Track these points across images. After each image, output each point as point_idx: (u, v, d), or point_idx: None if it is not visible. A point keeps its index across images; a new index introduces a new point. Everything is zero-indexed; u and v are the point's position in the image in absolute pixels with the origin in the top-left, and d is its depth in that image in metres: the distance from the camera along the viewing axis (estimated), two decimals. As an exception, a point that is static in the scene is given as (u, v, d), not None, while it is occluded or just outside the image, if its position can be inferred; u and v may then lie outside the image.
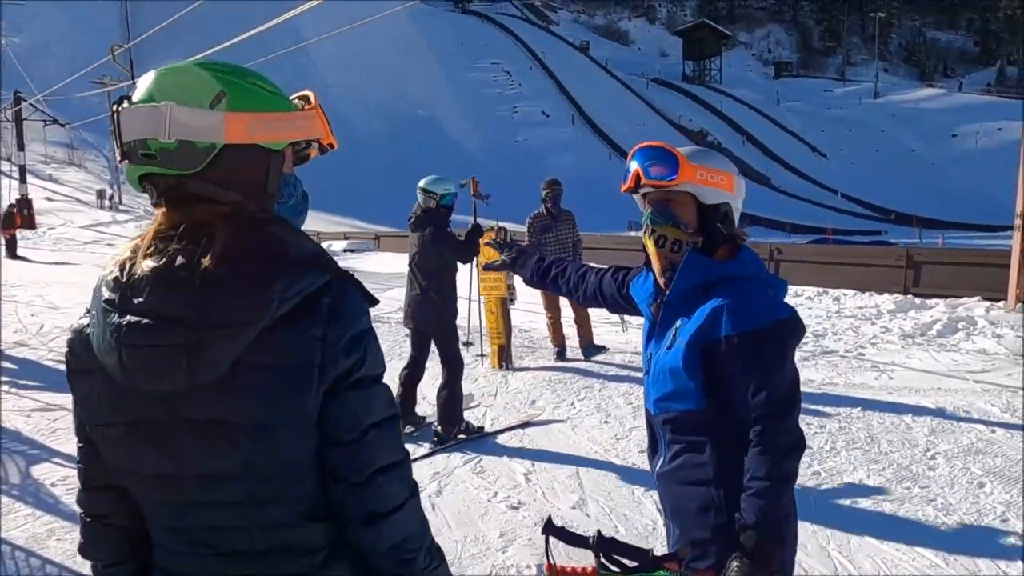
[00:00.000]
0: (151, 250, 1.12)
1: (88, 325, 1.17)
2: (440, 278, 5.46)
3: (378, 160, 42.46)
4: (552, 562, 1.70)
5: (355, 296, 1.17)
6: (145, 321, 1.09)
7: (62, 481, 4.68)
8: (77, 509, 1.30)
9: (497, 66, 72.55)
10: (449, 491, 4.44)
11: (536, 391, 6.60)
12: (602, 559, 1.68)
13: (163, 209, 1.17)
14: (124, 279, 1.11)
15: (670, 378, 1.84)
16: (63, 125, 34.99)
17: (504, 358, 7.49)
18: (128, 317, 1.09)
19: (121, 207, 41.36)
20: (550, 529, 1.75)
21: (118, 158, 1.17)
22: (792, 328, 1.80)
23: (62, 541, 3.87)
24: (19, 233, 24.01)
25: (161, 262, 1.10)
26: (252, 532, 1.15)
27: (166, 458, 1.13)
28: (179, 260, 1.10)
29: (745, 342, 1.73)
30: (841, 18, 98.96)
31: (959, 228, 40.43)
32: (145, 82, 1.17)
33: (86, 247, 23.47)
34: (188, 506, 1.15)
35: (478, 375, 7.27)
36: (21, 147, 35.46)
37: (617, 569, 1.68)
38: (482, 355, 7.79)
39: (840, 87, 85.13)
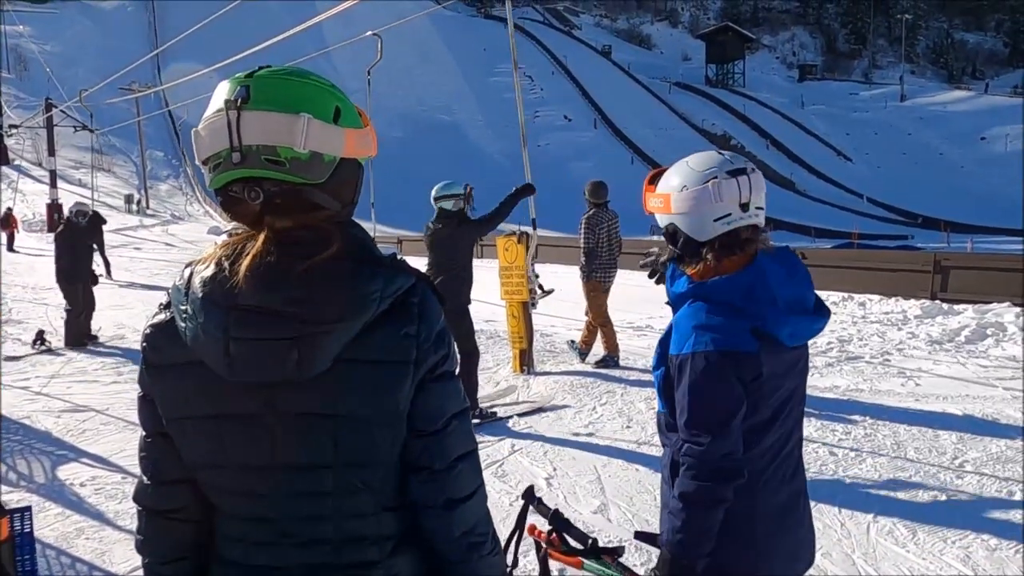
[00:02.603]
0: (257, 250, 1.15)
1: (170, 320, 1.19)
2: (454, 269, 5.88)
3: (399, 166, 42.67)
4: (529, 524, 2.00)
5: (433, 296, 1.24)
6: (254, 315, 1.12)
7: (90, 481, 4.76)
8: (135, 505, 1.29)
9: (519, 71, 72.63)
10: (471, 495, 4.45)
11: (558, 395, 6.59)
12: (554, 534, 1.96)
13: (266, 214, 1.17)
14: (227, 275, 1.14)
15: (656, 380, 1.92)
16: (92, 131, 35.55)
17: (525, 362, 7.49)
18: (235, 311, 1.12)
19: (148, 211, 41.98)
20: (529, 497, 2.01)
21: (235, 159, 1.14)
22: (710, 363, 1.68)
23: (91, 540, 3.94)
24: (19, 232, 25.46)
25: (267, 260, 1.13)
26: (334, 522, 1.19)
27: (259, 449, 1.17)
28: (285, 259, 1.14)
29: (674, 364, 1.78)
30: (867, 20, 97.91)
31: (988, 232, 39.82)
32: (264, 87, 1.15)
33: (114, 251, 23.77)
34: (278, 496, 1.19)
35: (500, 379, 7.28)
36: (52, 152, 36.05)
37: (576, 546, 1.95)
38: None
39: (866, 90, 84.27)
